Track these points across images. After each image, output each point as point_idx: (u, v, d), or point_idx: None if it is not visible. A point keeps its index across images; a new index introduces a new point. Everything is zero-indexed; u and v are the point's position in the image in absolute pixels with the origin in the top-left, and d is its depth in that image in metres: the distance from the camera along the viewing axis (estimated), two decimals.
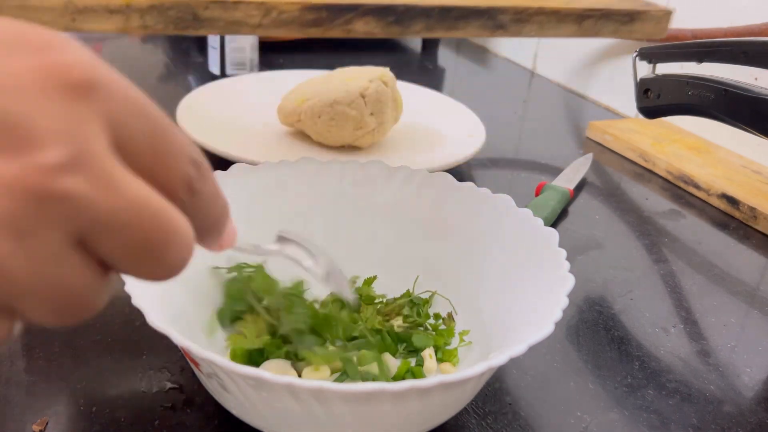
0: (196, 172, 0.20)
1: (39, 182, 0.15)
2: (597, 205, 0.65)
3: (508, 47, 1.13)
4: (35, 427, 0.34)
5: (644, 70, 0.65)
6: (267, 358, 0.37)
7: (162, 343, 0.39)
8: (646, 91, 0.65)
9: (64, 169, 0.16)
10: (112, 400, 0.36)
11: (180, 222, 0.19)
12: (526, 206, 0.42)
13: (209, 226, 0.22)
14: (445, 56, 1.14)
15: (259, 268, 0.37)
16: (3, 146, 0.15)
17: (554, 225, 0.60)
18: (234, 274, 0.37)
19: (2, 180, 0.15)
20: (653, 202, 0.66)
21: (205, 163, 0.21)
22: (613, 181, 0.70)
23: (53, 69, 0.16)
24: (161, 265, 0.19)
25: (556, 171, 0.68)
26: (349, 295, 0.35)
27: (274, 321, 0.35)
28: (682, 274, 0.54)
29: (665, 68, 0.64)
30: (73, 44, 0.17)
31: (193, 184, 0.20)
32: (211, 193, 0.21)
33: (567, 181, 0.66)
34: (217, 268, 0.37)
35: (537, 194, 0.63)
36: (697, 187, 0.65)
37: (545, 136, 0.81)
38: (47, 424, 0.34)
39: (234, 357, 0.37)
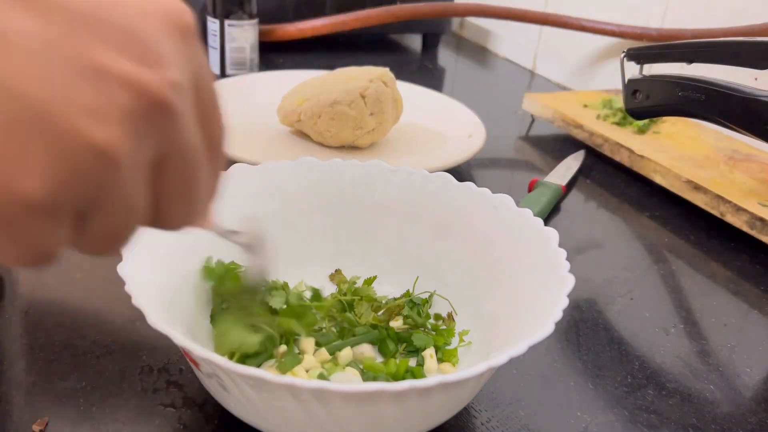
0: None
1: (159, 92, 0.18)
2: (596, 204, 0.65)
3: (508, 47, 1.14)
4: (35, 427, 0.34)
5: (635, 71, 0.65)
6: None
7: (162, 343, 0.40)
8: (635, 92, 0.65)
9: (176, 89, 0.18)
10: (111, 400, 0.36)
11: (207, 173, 0.22)
12: (517, 202, 0.42)
13: (214, 192, 0.23)
14: (445, 56, 1.14)
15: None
16: (136, 57, 0.18)
17: (547, 220, 0.60)
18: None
19: (136, 82, 0.17)
20: (650, 200, 0.66)
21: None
22: (611, 180, 0.70)
23: (172, 12, 0.19)
24: (192, 205, 0.21)
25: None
26: (264, 272, 0.34)
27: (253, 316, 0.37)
28: (682, 274, 0.55)
29: (655, 69, 0.64)
30: (183, 5, 0.21)
31: (222, 146, 0.22)
32: (223, 161, 0.23)
33: (559, 177, 0.66)
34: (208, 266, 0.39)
35: (530, 190, 0.63)
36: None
37: (545, 136, 0.81)
38: (47, 424, 0.34)
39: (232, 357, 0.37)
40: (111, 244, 0.20)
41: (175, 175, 0.20)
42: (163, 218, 0.21)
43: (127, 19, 0.18)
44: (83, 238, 0.19)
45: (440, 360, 0.40)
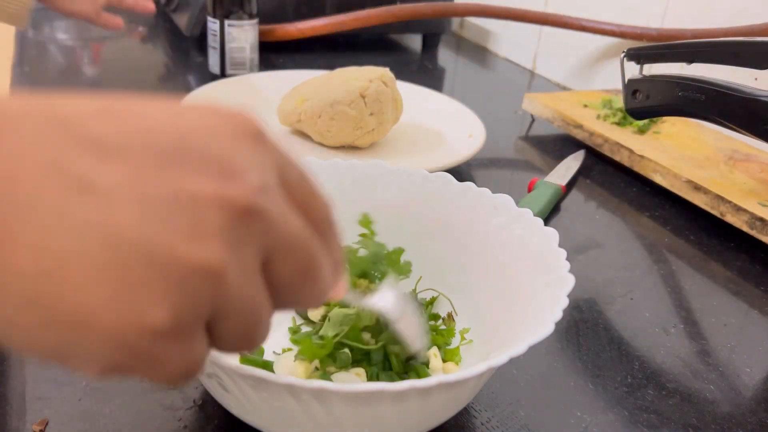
0: (331, 212, 0.24)
1: (246, 200, 0.19)
2: (596, 204, 0.65)
3: (508, 47, 1.14)
4: (35, 427, 0.34)
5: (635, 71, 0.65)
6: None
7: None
8: (635, 92, 0.64)
9: (262, 191, 0.20)
10: (112, 400, 0.36)
11: (323, 252, 0.23)
12: (517, 202, 0.42)
13: (337, 265, 0.24)
14: (445, 56, 1.14)
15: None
16: (218, 175, 0.19)
17: (547, 220, 0.60)
18: None
19: (222, 197, 0.19)
20: (650, 200, 0.66)
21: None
22: (611, 180, 0.70)
23: (239, 122, 0.21)
24: (317, 286, 0.22)
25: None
26: (417, 346, 0.36)
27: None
28: (682, 274, 0.55)
29: (655, 69, 0.64)
30: (246, 111, 0.22)
31: (332, 221, 0.24)
32: (338, 234, 0.24)
33: (559, 177, 0.66)
34: None
35: (530, 190, 0.63)
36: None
37: (545, 136, 0.81)
38: (47, 424, 0.34)
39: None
40: (249, 341, 0.21)
41: (287, 265, 0.21)
42: (294, 302, 0.23)
43: (202, 143, 0.20)
44: (221, 343, 0.21)
45: (443, 360, 0.40)
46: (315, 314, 0.42)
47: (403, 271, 0.41)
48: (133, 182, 0.18)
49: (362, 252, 0.40)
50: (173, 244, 0.18)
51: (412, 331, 0.35)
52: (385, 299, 0.34)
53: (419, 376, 0.37)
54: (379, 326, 0.37)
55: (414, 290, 0.44)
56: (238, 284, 0.19)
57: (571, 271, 0.35)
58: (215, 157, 0.19)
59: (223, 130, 0.20)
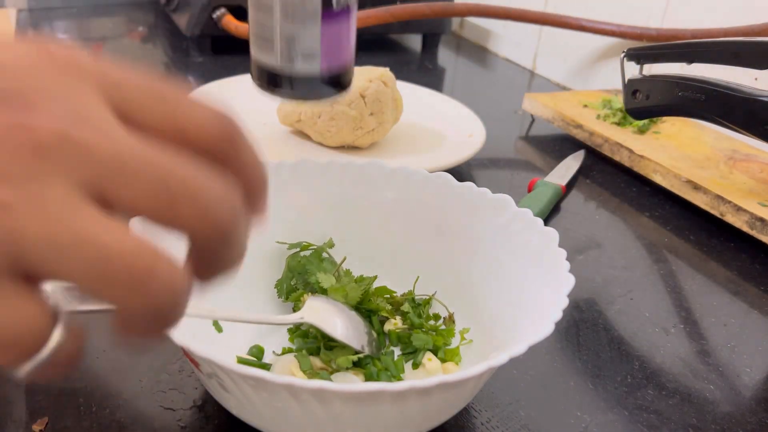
0: (231, 125, 0.20)
1: (33, 134, 0.17)
2: (596, 204, 0.65)
3: (508, 47, 1.14)
4: (35, 427, 0.34)
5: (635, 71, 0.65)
6: None
7: (162, 342, 0.39)
8: (635, 92, 0.64)
9: (61, 121, 0.17)
10: (112, 400, 0.36)
11: (205, 180, 0.19)
12: (517, 202, 0.42)
13: (257, 185, 0.21)
14: (445, 56, 1.14)
15: (317, 250, 0.43)
16: (7, 108, 0.17)
17: (547, 220, 0.60)
18: (295, 249, 0.43)
19: (8, 131, 0.17)
20: (650, 200, 0.66)
21: (238, 122, 0.21)
22: (611, 180, 0.70)
23: (47, 53, 0.19)
24: (193, 210, 0.18)
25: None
26: (369, 350, 0.38)
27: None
28: (682, 274, 0.55)
29: (655, 69, 0.64)
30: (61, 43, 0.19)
31: (232, 135, 0.20)
32: (250, 147, 0.21)
33: (559, 177, 0.66)
34: (281, 242, 0.44)
35: (530, 190, 0.63)
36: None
37: (545, 136, 0.81)
38: (47, 424, 0.34)
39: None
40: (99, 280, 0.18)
41: (130, 191, 0.18)
42: (168, 222, 0.19)
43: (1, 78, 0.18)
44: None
45: (443, 360, 0.40)
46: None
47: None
48: None
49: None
50: None
51: (348, 332, 0.37)
52: (311, 312, 0.36)
53: (370, 374, 0.38)
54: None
55: (412, 291, 0.44)
56: (41, 219, 0.17)
57: (571, 271, 0.35)
58: (10, 90, 0.17)
59: (27, 62, 0.18)
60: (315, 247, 0.44)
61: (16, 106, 0.17)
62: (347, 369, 0.37)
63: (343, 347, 0.38)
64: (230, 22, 0.94)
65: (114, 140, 0.18)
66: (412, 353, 0.40)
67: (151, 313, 0.18)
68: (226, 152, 0.20)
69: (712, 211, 0.61)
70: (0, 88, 0.17)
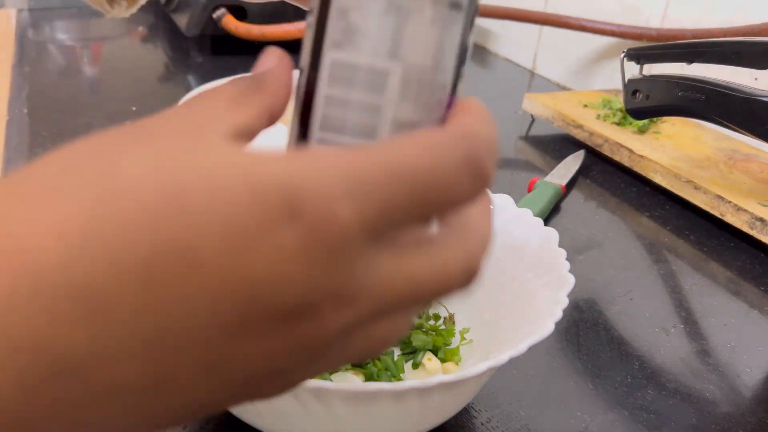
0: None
1: (325, 335, 0.16)
2: (596, 204, 0.65)
3: (508, 47, 1.14)
4: None
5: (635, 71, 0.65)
6: None
7: None
8: (635, 92, 0.65)
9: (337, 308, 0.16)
10: None
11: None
12: (517, 202, 0.42)
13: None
14: None
15: None
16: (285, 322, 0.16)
17: (547, 220, 0.60)
18: None
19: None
20: (650, 200, 0.66)
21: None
22: (611, 180, 0.70)
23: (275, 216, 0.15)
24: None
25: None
26: None
27: None
28: (682, 274, 0.55)
29: (655, 69, 0.64)
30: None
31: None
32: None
33: (559, 177, 0.66)
34: None
35: (530, 190, 0.63)
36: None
37: (545, 136, 0.81)
38: None
39: None
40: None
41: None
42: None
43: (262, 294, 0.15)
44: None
45: (443, 360, 0.40)
46: None
47: None
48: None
49: None
50: None
51: None
52: None
53: (369, 373, 0.38)
54: None
55: None
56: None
57: (571, 271, 0.35)
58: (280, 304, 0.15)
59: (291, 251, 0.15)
60: None
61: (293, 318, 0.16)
62: (347, 369, 0.37)
63: None
64: (230, 22, 0.94)
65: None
66: (412, 353, 0.40)
67: None
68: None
69: (712, 211, 0.61)
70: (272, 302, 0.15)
